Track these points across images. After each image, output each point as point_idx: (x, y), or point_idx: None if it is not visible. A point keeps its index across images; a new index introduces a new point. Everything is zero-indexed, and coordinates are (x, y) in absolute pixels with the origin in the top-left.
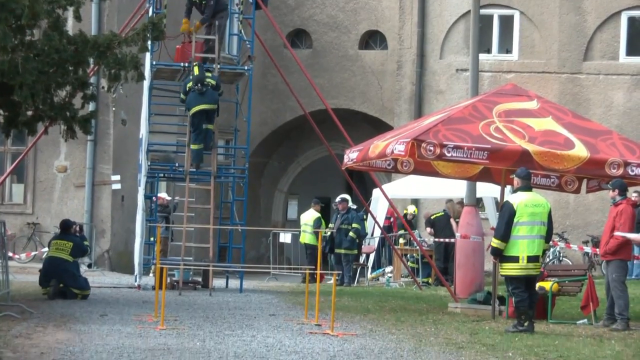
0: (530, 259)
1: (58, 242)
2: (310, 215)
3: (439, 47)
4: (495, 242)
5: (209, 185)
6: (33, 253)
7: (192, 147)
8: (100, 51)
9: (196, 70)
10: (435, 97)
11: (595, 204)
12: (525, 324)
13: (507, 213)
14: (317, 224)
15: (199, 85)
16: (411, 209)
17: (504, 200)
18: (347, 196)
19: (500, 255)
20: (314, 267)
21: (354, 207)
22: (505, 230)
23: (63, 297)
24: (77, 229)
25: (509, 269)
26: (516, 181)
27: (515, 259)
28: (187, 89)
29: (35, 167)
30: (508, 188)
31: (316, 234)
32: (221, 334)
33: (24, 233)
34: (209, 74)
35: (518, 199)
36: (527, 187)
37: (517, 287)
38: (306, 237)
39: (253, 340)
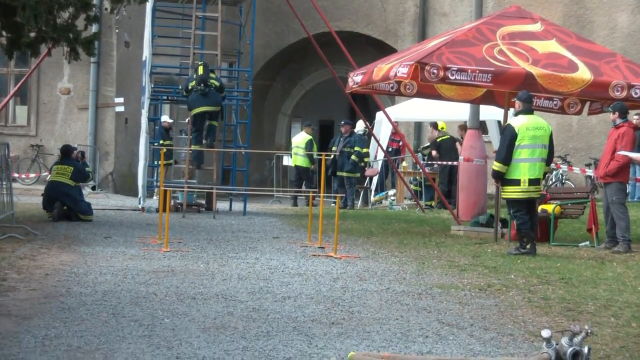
0: (532, 182)
1: (59, 167)
2: (301, 138)
3: None
4: (496, 166)
5: None
6: (37, 175)
7: (193, 147)
8: None
9: (200, 70)
10: (439, 19)
11: (598, 127)
12: (527, 246)
13: (508, 136)
14: (309, 146)
15: (202, 85)
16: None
17: (506, 123)
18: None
19: (501, 179)
20: (307, 188)
21: (360, 131)
22: (506, 153)
23: (67, 220)
24: (79, 155)
25: (511, 192)
26: (517, 104)
27: (516, 182)
28: (190, 87)
29: (39, 89)
30: (511, 111)
31: (308, 156)
32: (225, 256)
33: (28, 155)
34: (213, 75)
35: (519, 122)
36: (528, 110)
37: (519, 210)
38: (298, 160)
39: (257, 262)
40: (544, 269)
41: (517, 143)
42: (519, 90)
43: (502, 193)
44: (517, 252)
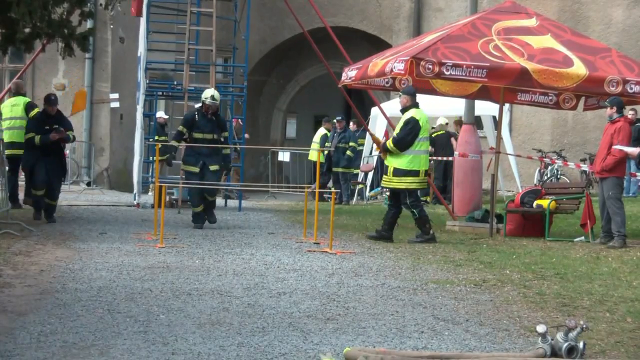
0: (425, 173)
1: None
2: (318, 134)
3: None
4: (391, 148)
5: None
6: None
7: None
8: None
9: None
10: (434, 15)
11: (593, 122)
12: (431, 231)
13: (415, 129)
14: (322, 141)
15: None
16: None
17: (409, 117)
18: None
19: (402, 170)
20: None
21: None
22: (409, 143)
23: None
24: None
25: (411, 182)
26: (405, 99)
27: (416, 173)
28: None
29: (34, 84)
30: (506, 106)
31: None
32: (220, 252)
33: None
34: None
35: (420, 116)
36: (416, 104)
37: (418, 199)
38: (313, 155)
39: (252, 258)
40: (539, 264)
41: (420, 135)
42: (514, 86)
43: (401, 184)
44: (421, 239)
